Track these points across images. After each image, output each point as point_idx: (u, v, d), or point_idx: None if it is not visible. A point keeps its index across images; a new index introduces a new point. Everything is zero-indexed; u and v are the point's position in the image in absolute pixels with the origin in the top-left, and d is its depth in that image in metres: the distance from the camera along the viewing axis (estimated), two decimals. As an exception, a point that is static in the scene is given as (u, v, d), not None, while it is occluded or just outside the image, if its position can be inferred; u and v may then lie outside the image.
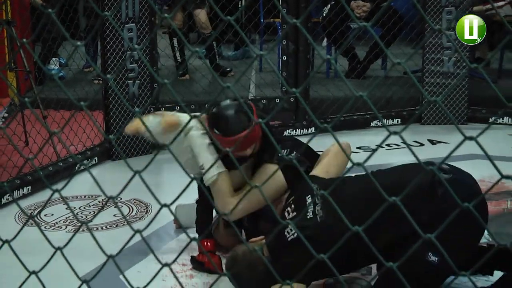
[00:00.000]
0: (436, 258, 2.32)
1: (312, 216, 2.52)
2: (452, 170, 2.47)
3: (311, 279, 2.56)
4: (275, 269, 2.12)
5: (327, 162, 2.83)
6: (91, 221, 3.48)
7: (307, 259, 2.38)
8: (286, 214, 2.64)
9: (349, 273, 2.80)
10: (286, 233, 2.51)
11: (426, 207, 2.32)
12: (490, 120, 5.19)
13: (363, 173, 2.51)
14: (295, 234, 2.47)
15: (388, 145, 4.72)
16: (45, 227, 3.54)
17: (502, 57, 6.30)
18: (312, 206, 2.55)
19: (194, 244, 3.05)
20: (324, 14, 6.18)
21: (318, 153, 3.00)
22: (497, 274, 2.66)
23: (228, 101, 2.86)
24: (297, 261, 2.40)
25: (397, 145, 4.72)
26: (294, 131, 5.20)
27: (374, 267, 2.85)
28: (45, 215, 3.69)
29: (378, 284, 2.51)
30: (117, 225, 3.55)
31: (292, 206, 2.63)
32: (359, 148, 4.75)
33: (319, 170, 2.80)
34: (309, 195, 2.59)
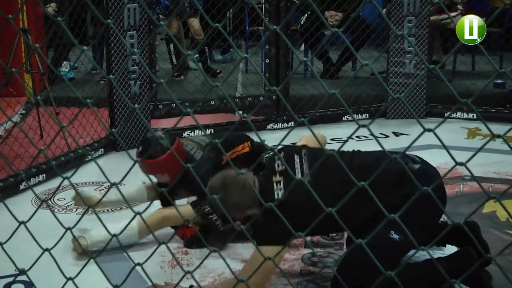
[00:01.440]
0: (397, 236, 2.28)
1: (301, 176, 2.35)
2: (421, 162, 2.47)
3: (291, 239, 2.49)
4: (262, 230, 2.12)
5: (306, 143, 2.77)
6: (97, 204, 3.46)
7: (291, 222, 2.27)
8: (276, 166, 2.42)
9: (320, 235, 2.86)
10: (276, 194, 2.31)
11: (395, 191, 2.31)
12: (446, 114, 5.21)
13: (346, 150, 2.47)
14: (281, 196, 2.28)
15: (357, 136, 4.73)
16: (57, 210, 3.52)
17: (455, 60, 6.34)
18: (299, 165, 2.41)
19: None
20: (302, 22, 6.17)
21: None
22: (449, 247, 2.68)
23: (157, 133, 2.88)
24: (281, 224, 2.30)
25: (366, 136, 4.73)
26: (276, 125, 5.21)
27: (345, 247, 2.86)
28: (58, 199, 3.66)
29: (346, 257, 2.50)
30: (120, 208, 3.53)
31: (282, 159, 2.42)
32: (332, 139, 4.75)
33: (301, 143, 2.70)
34: (297, 155, 2.44)
